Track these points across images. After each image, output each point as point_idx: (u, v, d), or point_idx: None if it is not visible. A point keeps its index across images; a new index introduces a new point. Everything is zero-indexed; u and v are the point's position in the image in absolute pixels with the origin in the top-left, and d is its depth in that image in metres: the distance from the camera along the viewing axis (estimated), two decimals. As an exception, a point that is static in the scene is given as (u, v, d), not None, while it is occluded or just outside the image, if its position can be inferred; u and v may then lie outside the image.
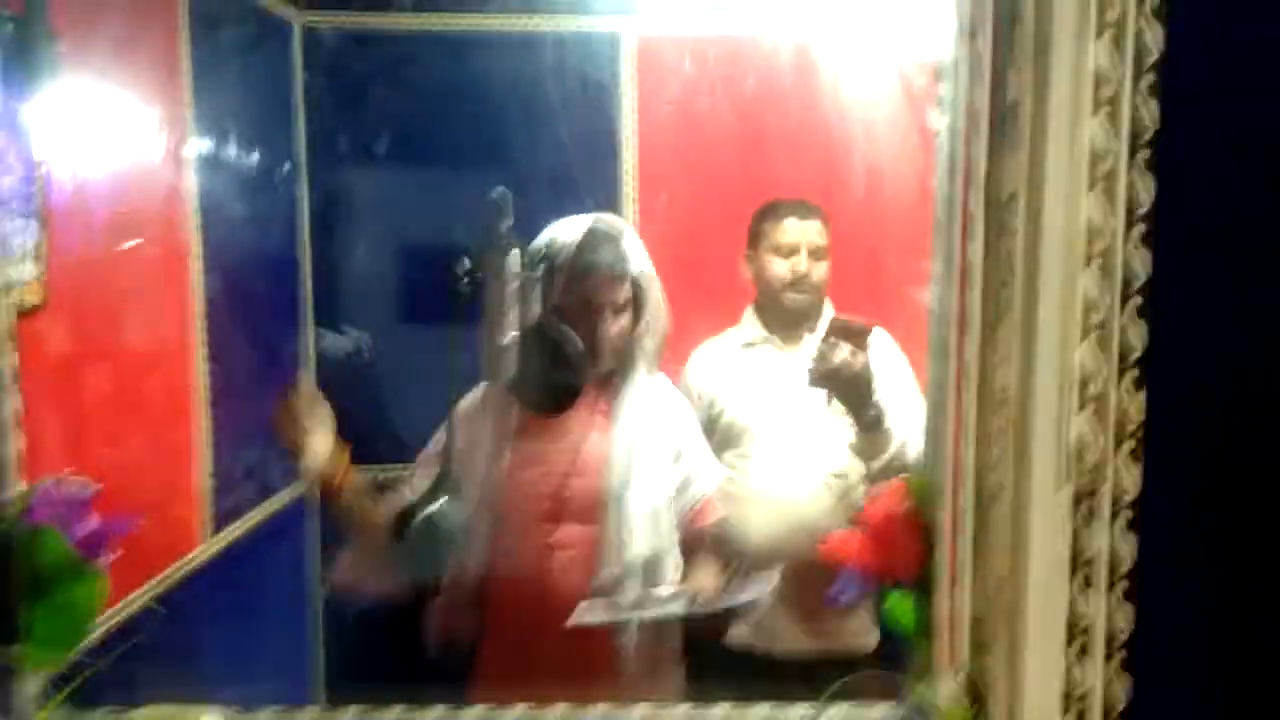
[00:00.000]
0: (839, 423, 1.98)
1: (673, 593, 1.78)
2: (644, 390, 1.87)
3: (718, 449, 2.14)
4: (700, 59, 2.54)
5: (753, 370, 2.16)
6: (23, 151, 1.40)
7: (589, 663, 1.77)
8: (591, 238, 1.81)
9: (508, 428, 1.83)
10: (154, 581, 1.83)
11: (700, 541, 1.91)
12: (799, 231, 2.12)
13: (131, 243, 1.80)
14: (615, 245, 1.82)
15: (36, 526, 1.16)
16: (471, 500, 1.78)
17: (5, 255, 1.19)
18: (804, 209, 2.15)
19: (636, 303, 1.84)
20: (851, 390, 1.87)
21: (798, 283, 2.11)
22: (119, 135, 1.79)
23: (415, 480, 1.80)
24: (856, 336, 1.85)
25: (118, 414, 1.76)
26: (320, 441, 1.67)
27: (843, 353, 1.83)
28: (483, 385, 1.86)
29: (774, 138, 2.53)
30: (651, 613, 1.76)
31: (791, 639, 2.09)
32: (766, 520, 2.03)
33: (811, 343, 2.11)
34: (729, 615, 1.82)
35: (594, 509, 1.80)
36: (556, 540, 1.80)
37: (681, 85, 2.55)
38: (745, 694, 1.36)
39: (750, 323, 2.20)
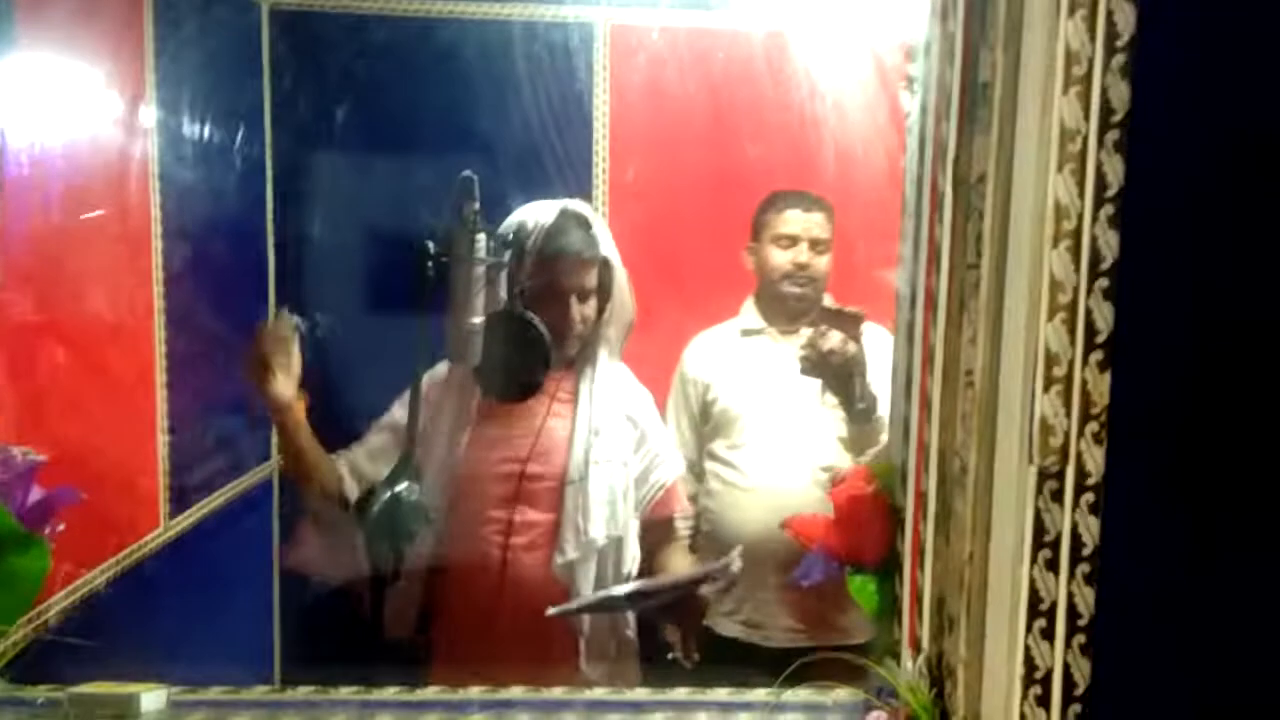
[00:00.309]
0: (831, 415, 1.98)
1: (638, 586, 1.78)
2: (606, 377, 1.86)
3: (710, 436, 2.14)
4: (672, 46, 2.53)
5: (749, 359, 2.15)
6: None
7: (545, 648, 1.77)
8: (561, 221, 1.80)
9: (469, 409, 1.82)
10: (113, 560, 1.79)
11: (662, 530, 1.91)
12: (801, 223, 2.12)
13: (90, 214, 1.77)
14: (584, 230, 1.81)
15: (-22, 495, 1.13)
16: (430, 480, 1.77)
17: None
18: (807, 200, 2.14)
19: (602, 289, 1.83)
20: (842, 379, 1.85)
21: (798, 274, 2.10)
22: (77, 108, 1.74)
23: (367, 440, 1.81)
24: (848, 324, 1.83)
25: (74, 391, 1.72)
26: (284, 381, 1.67)
27: (833, 340, 1.82)
28: (444, 363, 1.84)
29: (747, 123, 2.52)
30: (619, 600, 1.74)
31: (786, 631, 2.07)
32: (753, 512, 2.02)
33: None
34: (697, 598, 1.79)
35: (552, 494, 1.80)
36: (514, 524, 1.79)
37: (653, 72, 2.54)
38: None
39: (749, 312, 2.19)
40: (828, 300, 2.14)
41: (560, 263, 1.78)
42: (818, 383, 1.90)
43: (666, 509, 1.92)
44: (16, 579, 1.15)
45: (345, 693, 1.26)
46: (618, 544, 1.82)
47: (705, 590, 1.76)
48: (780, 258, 2.12)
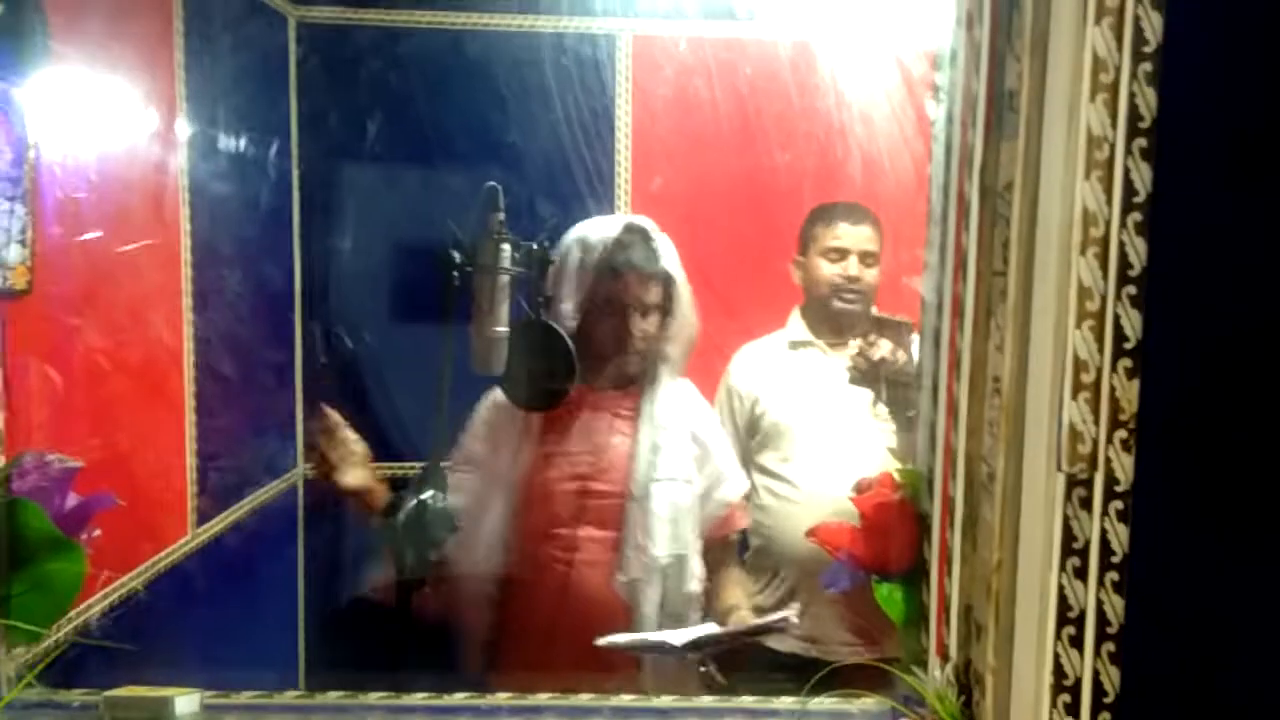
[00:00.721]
0: (883, 427, 1.97)
1: (696, 635, 1.71)
2: (669, 394, 1.85)
3: (758, 449, 2.13)
4: (695, 56, 2.54)
5: (797, 372, 2.14)
6: (12, 134, 1.39)
7: (608, 663, 1.73)
8: (625, 235, 1.80)
9: (531, 427, 1.81)
10: (143, 566, 1.81)
11: (723, 550, 1.89)
12: (850, 237, 2.11)
13: (128, 247, 1.80)
14: (647, 245, 1.81)
15: (17, 500, 1.15)
16: (493, 497, 1.78)
17: (22, 233, 1.18)
18: (856, 213, 2.13)
19: (666, 305, 1.82)
20: (892, 388, 1.85)
21: (848, 287, 2.10)
22: (109, 121, 1.77)
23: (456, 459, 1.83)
24: (896, 333, 1.84)
25: (106, 399, 1.74)
26: (351, 471, 1.66)
27: (883, 349, 1.82)
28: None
29: (773, 132, 2.53)
30: (674, 649, 1.68)
31: (845, 645, 2.04)
32: (806, 525, 2.01)
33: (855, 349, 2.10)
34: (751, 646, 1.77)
35: (615, 511, 1.79)
36: (577, 541, 1.78)
37: (677, 82, 2.55)
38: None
39: (796, 324, 2.19)
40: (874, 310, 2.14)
41: (623, 277, 1.77)
42: (869, 394, 1.89)
43: (729, 528, 1.90)
44: (53, 583, 1.16)
45: (374, 698, 1.27)
46: (681, 562, 1.79)
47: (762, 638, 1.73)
48: (829, 271, 2.11)
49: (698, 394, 1.93)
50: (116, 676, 1.26)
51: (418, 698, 1.27)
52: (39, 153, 1.48)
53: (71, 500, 1.19)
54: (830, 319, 2.13)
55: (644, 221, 1.85)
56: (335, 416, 1.68)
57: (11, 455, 1.21)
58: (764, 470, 2.11)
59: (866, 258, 2.10)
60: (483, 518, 1.80)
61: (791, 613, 1.71)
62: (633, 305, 1.78)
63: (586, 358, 1.78)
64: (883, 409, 1.91)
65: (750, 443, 2.14)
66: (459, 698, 1.28)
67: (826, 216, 2.14)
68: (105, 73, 1.75)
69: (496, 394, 1.85)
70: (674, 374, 1.87)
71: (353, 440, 1.68)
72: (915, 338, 1.81)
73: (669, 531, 1.77)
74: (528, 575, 1.81)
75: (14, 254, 1.43)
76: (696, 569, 1.82)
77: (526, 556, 1.80)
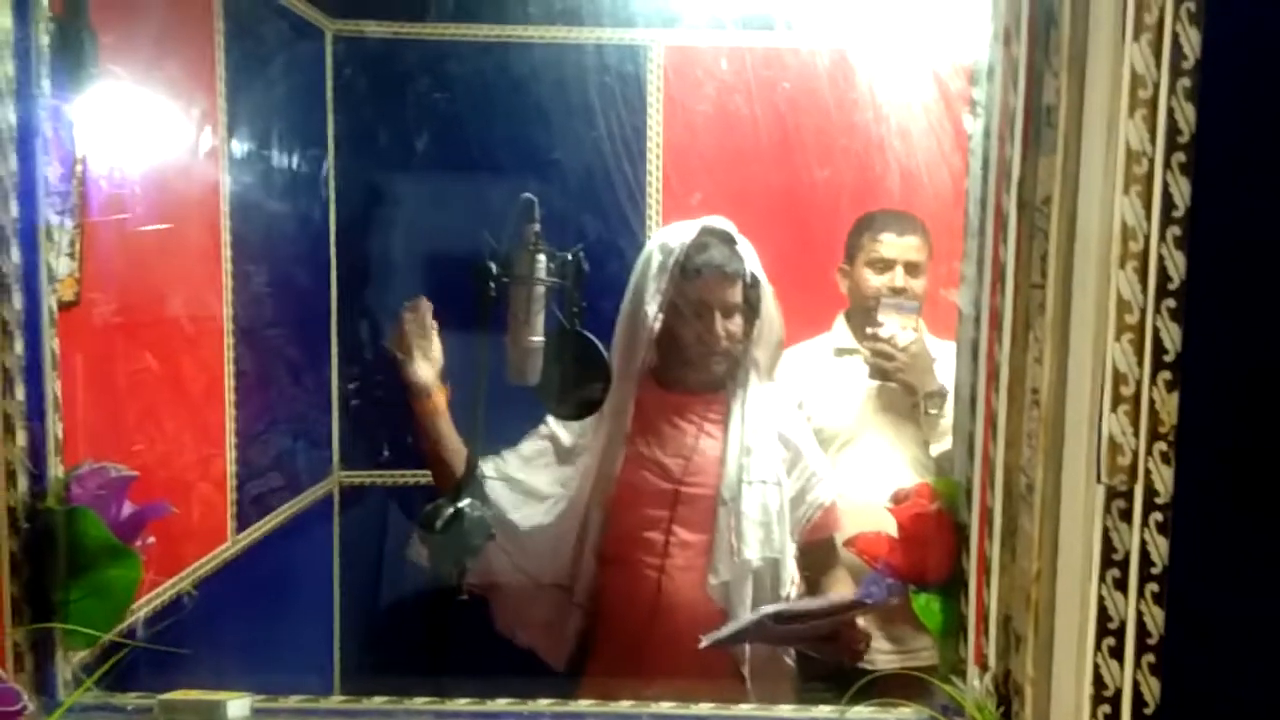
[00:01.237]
0: (923, 437, 1.99)
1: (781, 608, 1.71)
2: (757, 397, 1.85)
3: None
4: (727, 67, 2.56)
5: (843, 378, 2.15)
6: (62, 150, 1.42)
7: (702, 668, 1.74)
8: (703, 237, 1.81)
9: (623, 429, 1.83)
10: (183, 574, 1.85)
11: (822, 552, 1.88)
12: (896, 247, 2.11)
13: (161, 225, 1.83)
14: (727, 246, 1.82)
15: (75, 508, 1.18)
16: (588, 501, 1.80)
17: (50, 244, 1.22)
18: (903, 223, 2.13)
19: (750, 308, 1.83)
20: (906, 367, 1.89)
21: (890, 299, 2.09)
22: (155, 134, 1.81)
23: (521, 447, 1.87)
24: (906, 314, 1.89)
25: (152, 409, 1.78)
26: (425, 366, 1.72)
27: (892, 327, 1.88)
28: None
29: (802, 144, 2.54)
30: (764, 611, 1.68)
31: (883, 653, 2.01)
32: (850, 532, 2.02)
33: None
34: (855, 631, 1.70)
35: (706, 514, 1.79)
36: (670, 545, 1.79)
37: (708, 93, 2.57)
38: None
39: (842, 331, 2.20)
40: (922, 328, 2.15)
41: (704, 277, 1.79)
42: (917, 401, 1.93)
43: (825, 530, 1.88)
44: (111, 589, 1.20)
45: (419, 703, 1.29)
46: (774, 566, 1.79)
47: (861, 621, 1.69)
48: (875, 281, 2.11)
49: (787, 397, 1.94)
50: (159, 680, 1.30)
51: (461, 703, 1.30)
52: (87, 167, 1.52)
53: (127, 509, 1.22)
54: (875, 327, 2.13)
55: (723, 223, 1.86)
56: (429, 311, 1.73)
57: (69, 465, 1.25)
58: None
59: (912, 268, 2.10)
60: (571, 523, 1.82)
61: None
62: (715, 306, 1.79)
63: (672, 360, 1.81)
64: (930, 414, 1.93)
65: None
66: (501, 703, 1.30)
67: (874, 226, 2.15)
68: (150, 89, 1.79)
69: None
70: (762, 377, 1.87)
71: (436, 341, 1.73)
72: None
73: (761, 534, 1.77)
74: (620, 582, 1.82)
75: (63, 266, 1.46)
76: (792, 572, 1.82)
77: (618, 559, 1.81)
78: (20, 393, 1.16)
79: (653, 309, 1.80)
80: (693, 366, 1.83)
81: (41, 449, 1.19)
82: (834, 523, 1.89)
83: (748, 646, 1.78)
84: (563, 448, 1.87)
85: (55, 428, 1.22)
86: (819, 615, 1.66)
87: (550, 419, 1.88)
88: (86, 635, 1.18)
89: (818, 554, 1.87)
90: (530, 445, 1.88)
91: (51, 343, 1.22)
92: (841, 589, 1.86)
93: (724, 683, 1.78)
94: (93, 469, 1.22)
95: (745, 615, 1.72)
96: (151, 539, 1.25)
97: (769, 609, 1.66)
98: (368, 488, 2.70)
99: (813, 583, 1.87)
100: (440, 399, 1.75)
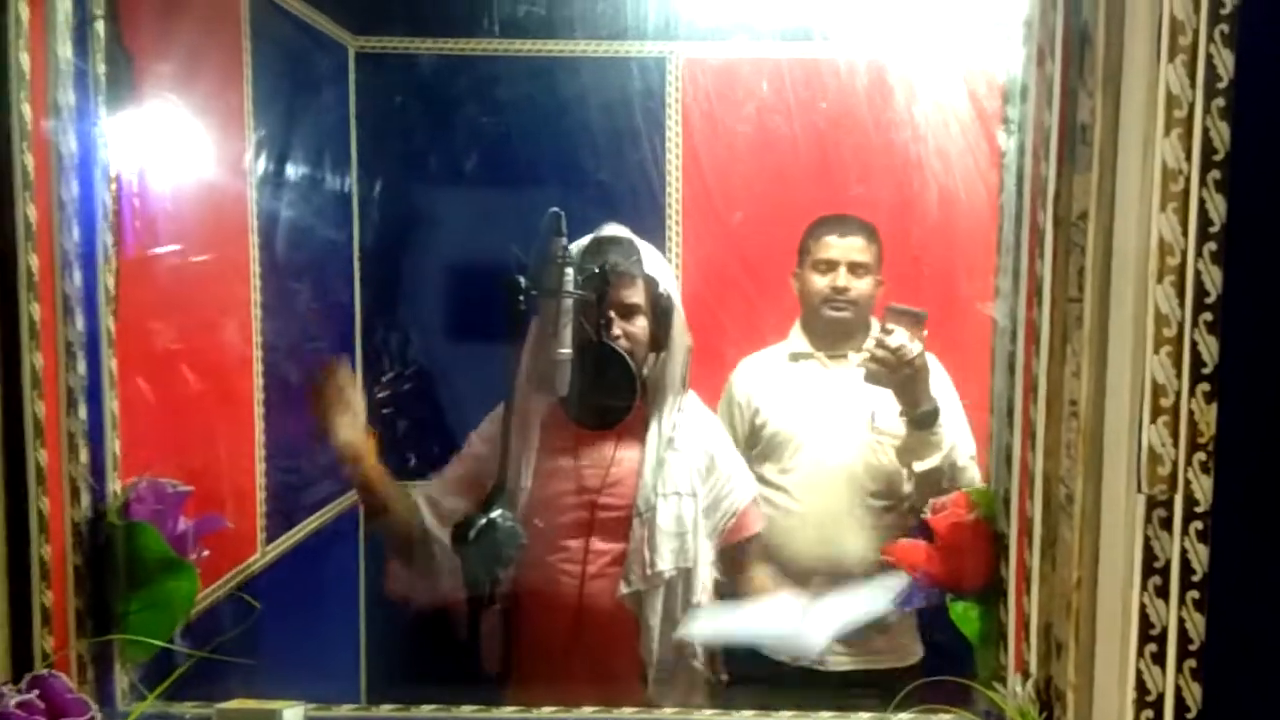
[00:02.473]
0: (881, 441, 2.01)
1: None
2: (672, 409, 1.87)
3: (759, 460, 2.17)
4: (744, 79, 2.58)
5: (798, 384, 2.18)
6: (99, 165, 1.45)
7: (615, 674, 1.80)
8: (595, 244, 1.82)
9: (546, 442, 1.85)
10: (219, 583, 1.87)
11: (742, 552, 1.91)
12: (839, 248, 2.14)
13: (196, 261, 1.86)
14: (624, 248, 1.82)
15: (135, 523, 1.21)
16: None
17: (108, 266, 1.25)
18: (845, 225, 2.16)
19: (659, 317, 1.84)
20: (908, 378, 1.85)
21: (836, 298, 2.13)
22: (187, 153, 1.85)
23: (445, 472, 1.85)
24: (912, 323, 1.85)
25: (183, 424, 1.80)
26: (349, 427, 1.70)
27: (899, 338, 1.83)
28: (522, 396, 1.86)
29: (818, 156, 2.56)
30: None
31: (833, 653, 2.06)
32: (805, 534, 2.06)
33: (856, 362, 2.15)
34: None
35: (623, 524, 1.82)
36: (587, 553, 1.82)
37: (724, 105, 2.59)
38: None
39: (797, 337, 2.23)
40: (876, 328, 2.17)
41: (598, 278, 1.79)
42: (869, 408, 1.93)
43: (742, 532, 1.90)
44: (169, 601, 1.22)
45: (467, 710, 1.32)
46: (686, 575, 1.82)
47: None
48: (819, 282, 2.13)
49: (702, 406, 1.95)
50: (196, 689, 1.32)
51: (508, 711, 1.32)
52: (121, 183, 1.54)
53: (182, 523, 1.25)
54: (825, 330, 2.16)
55: (615, 228, 1.86)
56: (346, 371, 1.72)
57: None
58: (764, 481, 2.13)
59: (856, 268, 2.13)
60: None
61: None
62: (611, 304, 1.80)
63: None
64: (882, 422, 1.94)
65: (750, 454, 2.16)
66: (547, 711, 1.33)
67: (817, 230, 2.18)
68: (182, 108, 1.82)
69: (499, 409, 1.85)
70: (676, 389, 1.88)
71: (357, 396, 1.72)
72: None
73: (674, 545, 1.80)
74: (539, 585, 1.84)
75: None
76: (706, 581, 1.85)
77: (538, 566, 1.83)
78: (83, 412, 1.19)
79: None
80: None
81: (101, 466, 1.22)
82: (750, 524, 1.90)
83: (655, 652, 1.80)
84: (485, 464, 1.86)
85: (114, 445, 1.25)
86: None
87: (471, 439, 1.89)
88: (146, 646, 1.21)
89: (735, 555, 1.90)
90: (453, 470, 1.88)
91: (110, 363, 1.25)
92: (764, 581, 1.89)
93: (633, 687, 1.80)
94: (150, 485, 1.25)
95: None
96: (206, 551, 1.27)
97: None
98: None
99: (737, 581, 1.90)
100: (370, 453, 1.74)
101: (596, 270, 1.84)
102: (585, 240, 1.84)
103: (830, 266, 2.14)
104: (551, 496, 1.84)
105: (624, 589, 1.80)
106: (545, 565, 1.84)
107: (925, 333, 1.85)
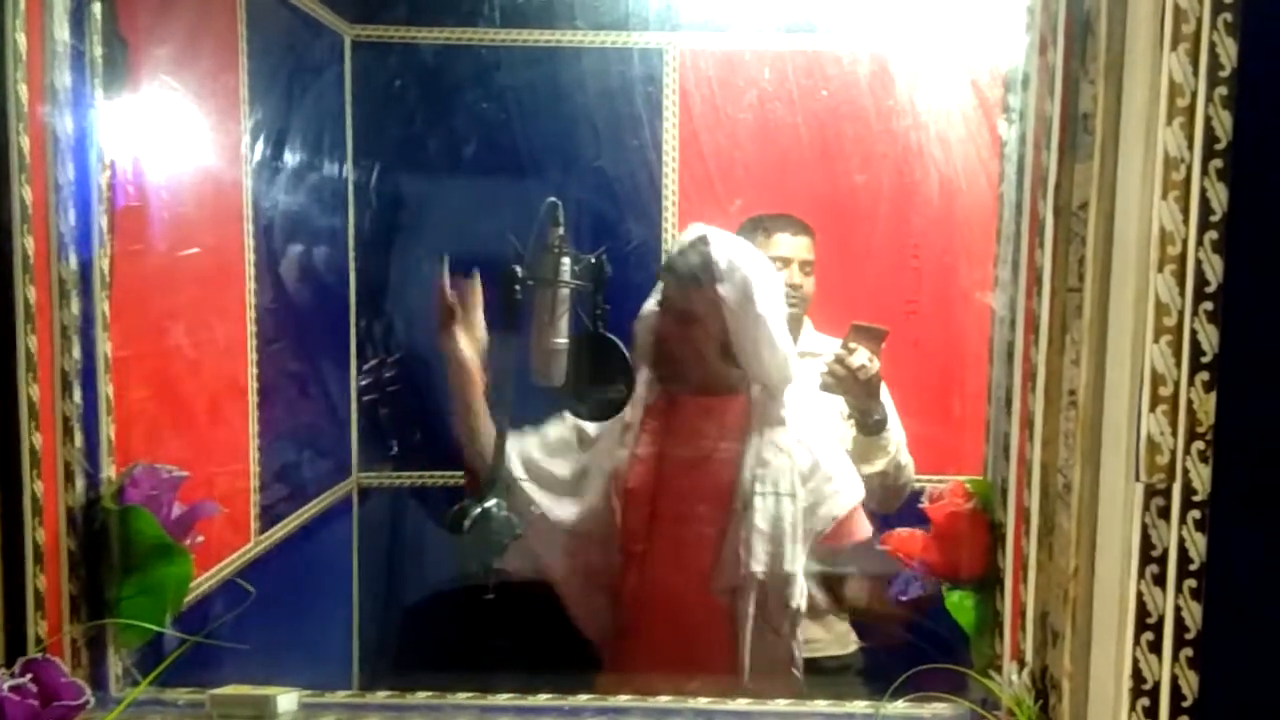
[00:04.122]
0: (846, 433, 2.03)
1: None
2: (775, 404, 1.83)
3: None
4: (742, 71, 2.58)
5: None
6: (93, 152, 1.44)
7: (709, 663, 1.78)
8: (698, 244, 1.80)
9: (645, 431, 1.83)
10: (211, 572, 1.87)
11: (838, 562, 1.88)
12: (790, 246, 2.21)
13: (190, 251, 1.85)
14: (702, 254, 1.79)
15: (130, 507, 1.21)
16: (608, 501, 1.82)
17: (103, 250, 1.24)
18: (795, 225, 2.24)
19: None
20: (864, 393, 1.92)
21: (790, 294, 2.14)
22: (179, 137, 1.83)
23: (544, 431, 1.89)
24: (874, 341, 1.92)
25: (177, 412, 1.79)
26: (468, 345, 1.75)
27: (861, 356, 1.90)
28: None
29: (814, 149, 2.56)
30: None
31: (811, 643, 2.05)
32: None
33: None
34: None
35: (718, 522, 1.79)
36: (679, 551, 1.81)
37: (722, 97, 2.59)
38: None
39: None
40: (808, 323, 2.23)
41: (682, 285, 1.80)
42: (862, 421, 1.97)
43: (843, 539, 1.85)
44: (164, 586, 1.22)
45: (462, 697, 1.31)
46: (786, 580, 1.77)
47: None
48: None
49: (808, 405, 1.90)
50: (189, 675, 1.31)
51: (503, 698, 1.32)
52: (115, 170, 1.53)
53: (177, 509, 1.24)
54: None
55: (713, 230, 1.84)
56: (478, 291, 1.75)
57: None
58: None
59: (805, 266, 2.22)
60: (588, 522, 1.83)
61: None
62: (675, 317, 1.80)
63: (665, 363, 1.83)
64: (870, 439, 1.98)
65: None
66: (543, 698, 1.33)
67: (767, 227, 2.24)
68: (176, 92, 1.81)
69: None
70: (777, 385, 1.84)
71: (480, 322, 1.76)
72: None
73: (770, 548, 1.76)
74: (632, 580, 1.83)
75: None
76: (802, 584, 1.80)
77: (632, 561, 1.82)
78: (77, 395, 1.18)
79: (651, 306, 1.83)
80: (680, 372, 1.84)
81: (95, 450, 1.22)
82: (853, 531, 1.85)
83: (748, 645, 1.78)
84: (587, 438, 1.88)
85: (108, 430, 1.24)
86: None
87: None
88: (140, 631, 1.20)
89: (835, 563, 1.88)
90: (554, 431, 1.88)
91: (105, 347, 1.24)
92: (856, 591, 1.92)
93: (728, 679, 1.78)
94: (146, 470, 1.24)
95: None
96: (201, 537, 1.27)
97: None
98: (385, 489, 2.72)
99: (833, 591, 1.92)
100: (476, 371, 1.77)
101: (593, 260, 1.84)
102: (683, 239, 1.83)
103: (784, 264, 2.19)
104: (643, 490, 1.81)
105: (715, 586, 1.78)
106: (643, 558, 1.81)
107: (883, 348, 1.90)
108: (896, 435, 2.00)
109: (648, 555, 1.82)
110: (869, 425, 1.96)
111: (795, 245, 2.22)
